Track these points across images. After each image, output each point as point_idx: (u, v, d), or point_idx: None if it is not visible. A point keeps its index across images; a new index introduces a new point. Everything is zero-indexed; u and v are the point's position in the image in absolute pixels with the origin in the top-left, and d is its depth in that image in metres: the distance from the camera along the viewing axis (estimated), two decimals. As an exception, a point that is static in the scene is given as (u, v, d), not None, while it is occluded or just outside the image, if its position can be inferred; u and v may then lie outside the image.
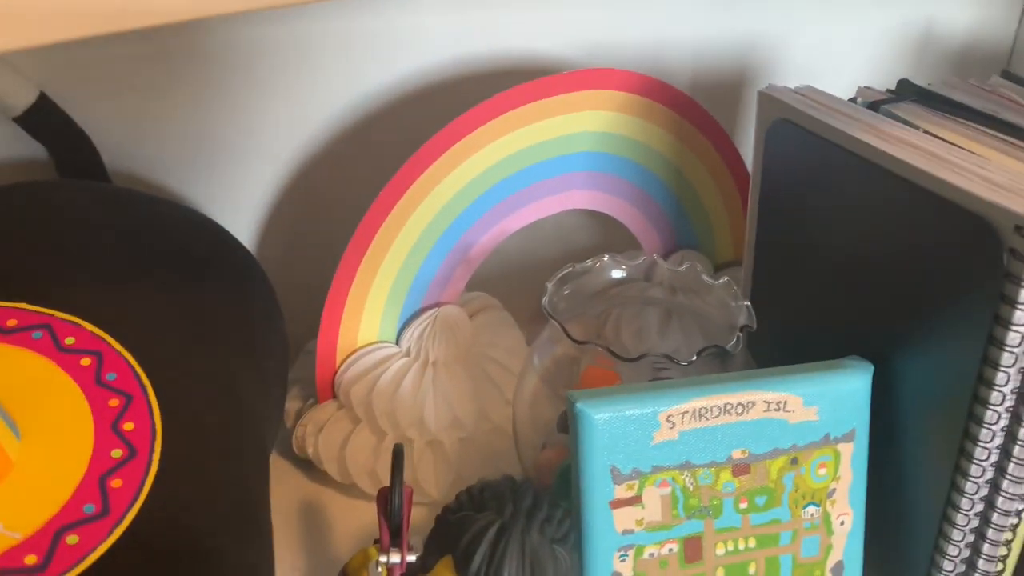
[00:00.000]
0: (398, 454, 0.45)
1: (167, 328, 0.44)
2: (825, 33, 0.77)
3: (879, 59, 0.80)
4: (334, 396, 0.61)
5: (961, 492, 0.46)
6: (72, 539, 0.35)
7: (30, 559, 0.35)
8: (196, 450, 0.40)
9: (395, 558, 0.43)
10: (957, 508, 0.47)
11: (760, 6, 0.73)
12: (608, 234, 0.73)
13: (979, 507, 0.47)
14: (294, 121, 0.63)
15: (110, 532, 0.35)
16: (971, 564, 0.48)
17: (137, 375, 0.40)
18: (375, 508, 0.45)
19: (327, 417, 0.60)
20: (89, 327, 0.41)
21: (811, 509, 0.48)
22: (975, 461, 0.45)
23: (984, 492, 0.46)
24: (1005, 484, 0.45)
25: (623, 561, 0.46)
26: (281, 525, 0.57)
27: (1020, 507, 0.46)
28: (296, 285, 0.63)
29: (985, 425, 0.44)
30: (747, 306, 0.52)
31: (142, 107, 0.59)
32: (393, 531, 0.44)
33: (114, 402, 0.39)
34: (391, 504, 0.44)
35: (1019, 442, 0.44)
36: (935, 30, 0.81)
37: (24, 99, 0.54)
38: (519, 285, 0.71)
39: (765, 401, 0.46)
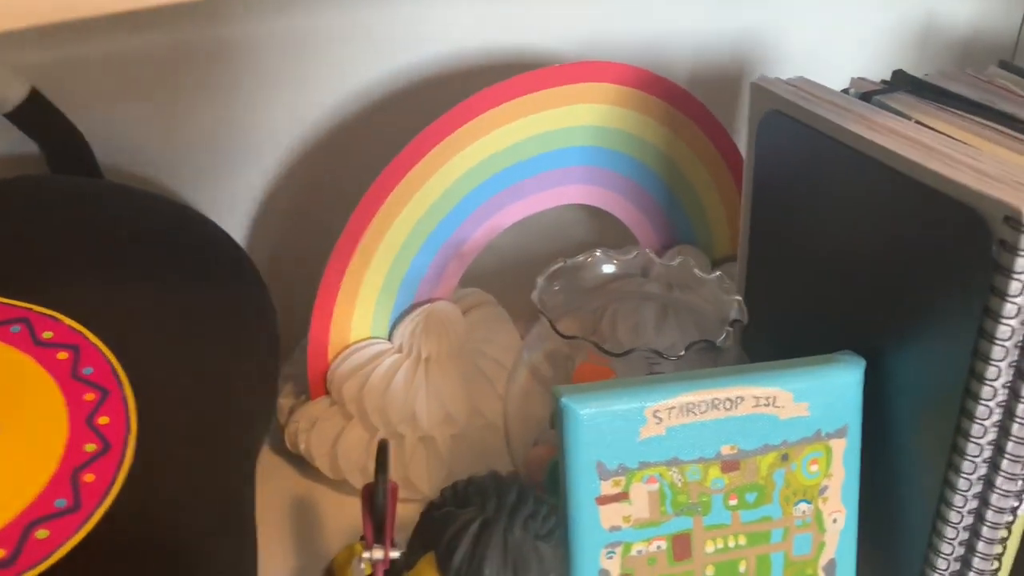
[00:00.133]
0: (383, 450, 0.44)
1: (148, 323, 0.44)
2: (826, 26, 0.76)
3: (881, 52, 0.79)
4: (326, 392, 0.60)
5: (954, 489, 0.45)
6: (42, 533, 0.35)
7: (-2, 553, 0.35)
8: (172, 445, 0.40)
9: (378, 554, 0.42)
10: (951, 505, 0.46)
11: (759, -1, 0.72)
12: (604, 230, 0.73)
13: (973, 504, 0.46)
14: (286, 117, 0.63)
15: (80, 527, 0.35)
16: (966, 562, 0.48)
17: (114, 370, 0.40)
18: (362, 504, 0.45)
19: (319, 413, 0.60)
20: (67, 321, 0.41)
21: (803, 506, 0.48)
22: (967, 457, 0.44)
23: (978, 489, 0.45)
24: (999, 481, 0.45)
25: (610, 558, 0.46)
26: (273, 521, 0.57)
27: (1015, 504, 0.46)
28: (291, 281, 0.63)
29: (977, 420, 0.43)
30: (738, 300, 0.52)
31: (135, 104, 0.59)
32: (377, 527, 0.43)
33: (90, 396, 0.39)
34: (375, 500, 0.43)
35: (1012, 438, 0.43)
36: (937, 22, 0.80)
37: (15, 95, 0.54)
38: (514, 281, 0.70)
39: (754, 396, 0.46)
